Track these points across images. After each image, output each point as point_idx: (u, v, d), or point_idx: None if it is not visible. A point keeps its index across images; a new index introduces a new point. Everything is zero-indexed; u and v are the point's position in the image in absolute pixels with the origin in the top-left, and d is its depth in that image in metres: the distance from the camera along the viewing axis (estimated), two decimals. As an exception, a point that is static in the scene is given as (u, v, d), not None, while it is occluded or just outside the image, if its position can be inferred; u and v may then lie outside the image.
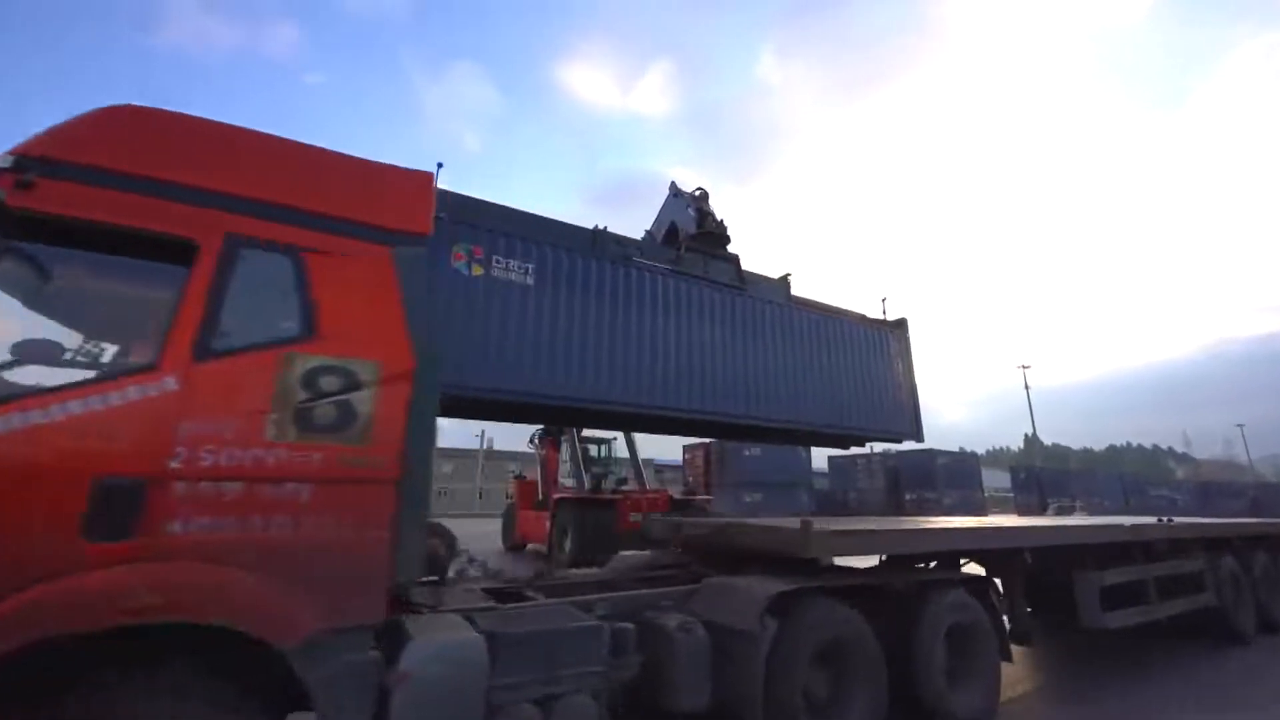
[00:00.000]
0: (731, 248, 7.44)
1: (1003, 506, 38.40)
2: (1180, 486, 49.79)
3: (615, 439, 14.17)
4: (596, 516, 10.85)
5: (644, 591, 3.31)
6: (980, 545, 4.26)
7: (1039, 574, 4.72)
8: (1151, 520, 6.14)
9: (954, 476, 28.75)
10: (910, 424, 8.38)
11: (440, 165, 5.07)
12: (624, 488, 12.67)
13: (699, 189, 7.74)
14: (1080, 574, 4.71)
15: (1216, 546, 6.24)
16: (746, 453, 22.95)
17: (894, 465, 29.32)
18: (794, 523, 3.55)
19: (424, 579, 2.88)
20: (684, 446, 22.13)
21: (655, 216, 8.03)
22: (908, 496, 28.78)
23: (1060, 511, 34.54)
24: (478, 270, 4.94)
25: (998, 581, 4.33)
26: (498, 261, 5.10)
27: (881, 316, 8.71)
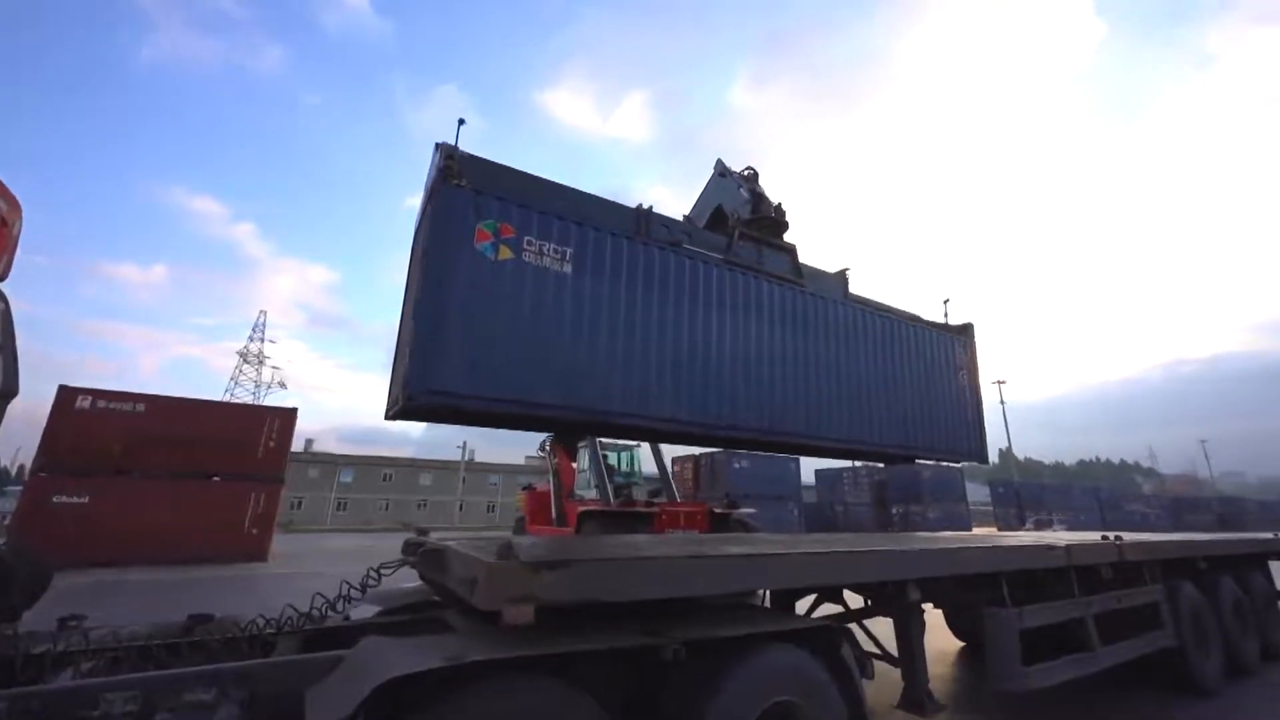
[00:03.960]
0: (788, 236, 6.40)
1: (983, 520, 37.68)
2: (1152, 501, 49.92)
3: (639, 445, 12.78)
4: (629, 532, 9.38)
5: (175, 672, 1.97)
6: (811, 580, 2.85)
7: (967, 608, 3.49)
8: (1095, 537, 4.96)
9: (939, 490, 28.02)
10: (976, 442, 7.50)
11: (462, 122, 4.32)
12: (658, 499, 11.22)
13: (749, 168, 6.76)
14: (992, 614, 3.49)
15: (1176, 570, 5.08)
16: (736, 465, 22.12)
17: (881, 479, 28.42)
18: (488, 548, 2.27)
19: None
20: (672, 458, 21.42)
21: (695, 200, 7.01)
22: (894, 510, 27.85)
23: (1039, 526, 33.92)
24: (506, 253, 4.23)
25: (873, 630, 3.10)
26: (530, 243, 4.36)
27: (944, 320, 7.73)
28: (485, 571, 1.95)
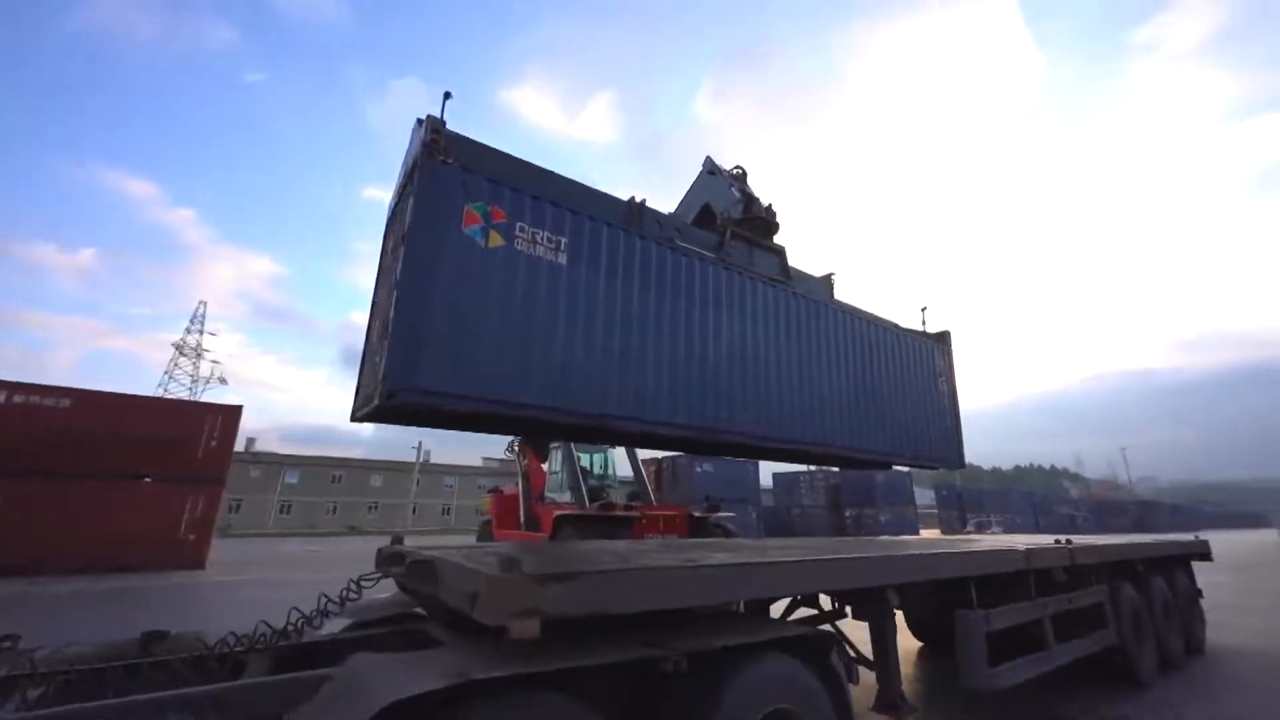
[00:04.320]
0: (778, 237, 6.29)
1: (929, 522, 39.39)
2: (1079, 505, 53.57)
3: (613, 447, 12.30)
4: (608, 537, 9.08)
5: (149, 697, 1.83)
6: (816, 587, 3.02)
7: (938, 611, 3.63)
8: (1048, 540, 5.25)
9: (890, 494, 29.15)
10: (956, 449, 7.59)
11: (448, 95, 4.04)
12: (635, 502, 10.94)
13: (738, 167, 6.61)
14: (962, 616, 3.64)
15: (1119, 572, 5.44)
16: (699, 468, 22.22)
17: (835, 483, 29.25)
18: (489, 560, 2.21)
19: None
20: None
21: (682, 197, 6.84)
22: (847, 513, 28.71)
23: (979, 528, 35.69)
24: (496, 240, 3.96)
25: (844, 631, 3.17)
26: (522, 230, 4.10)
27: (923, 328, 7.80)
28: (488, 584, 1.88)
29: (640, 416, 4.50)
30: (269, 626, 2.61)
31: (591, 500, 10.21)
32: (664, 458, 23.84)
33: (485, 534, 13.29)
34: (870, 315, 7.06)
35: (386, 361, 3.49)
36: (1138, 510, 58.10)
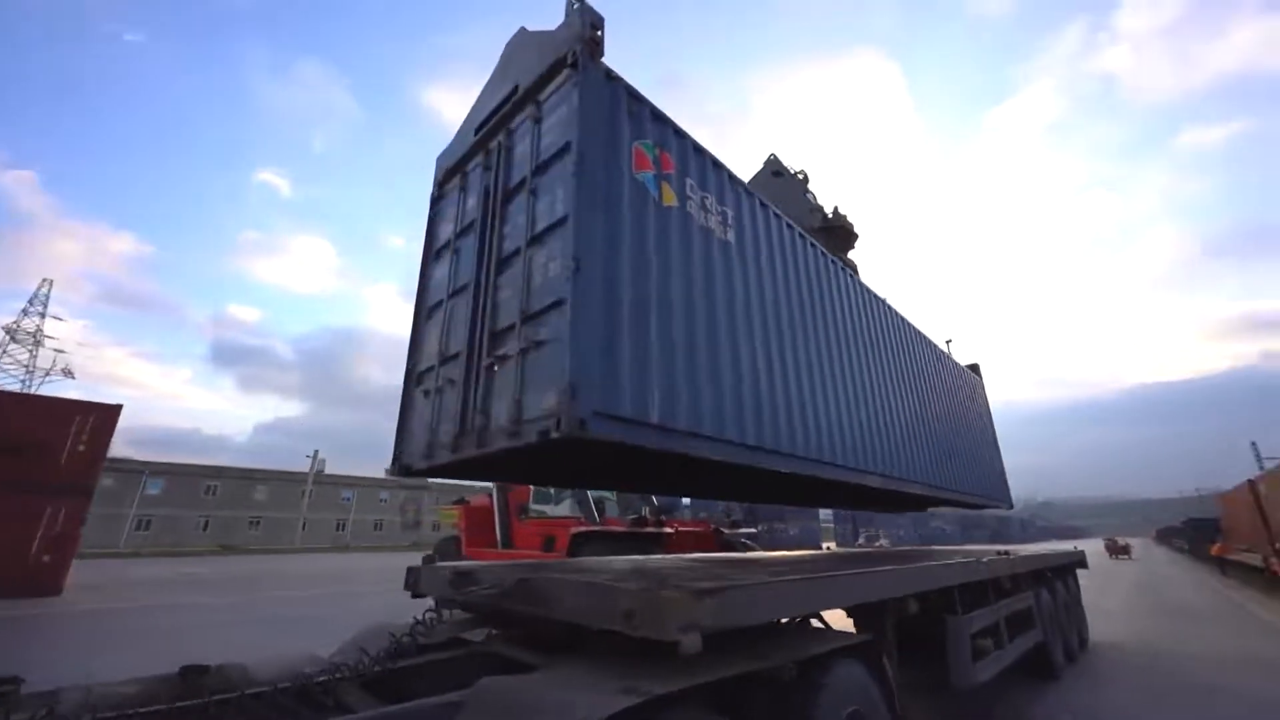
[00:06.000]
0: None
1: (826, 536, 42.26)
2: (948, 518, 60.14)
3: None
4: (642, 553, 7.90)
5: None
6: (909, 588, 3.36)
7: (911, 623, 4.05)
8: (994, 550, 6.02)
9: (799, 509, 30.79)
10: (1006, 488, 7.08)
11: None
12: (664, 516, 9.91)
13: (801, 172, 5.75)
14: (952, 620, 4.12)
15: (1039, 579, 6.33)
16: None
17: None
18: (628, 578, 2.27)
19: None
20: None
21: None
22: (760, 527, 30.05)
23: (869, 540, 38.85)
24: (670, 197, 2.96)
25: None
26: (693, 190, 3.13)
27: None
28: (654, 601, 1.93)
29: (809, 455, 3.67)
30: (344, 660, 2.41)
31: (628, 515, 9.48)
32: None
33: (449, 551, 11.56)
34: (928, 338, 6.29)
35: (570, 371, 2.30)
36: (994, 524, 66.46)
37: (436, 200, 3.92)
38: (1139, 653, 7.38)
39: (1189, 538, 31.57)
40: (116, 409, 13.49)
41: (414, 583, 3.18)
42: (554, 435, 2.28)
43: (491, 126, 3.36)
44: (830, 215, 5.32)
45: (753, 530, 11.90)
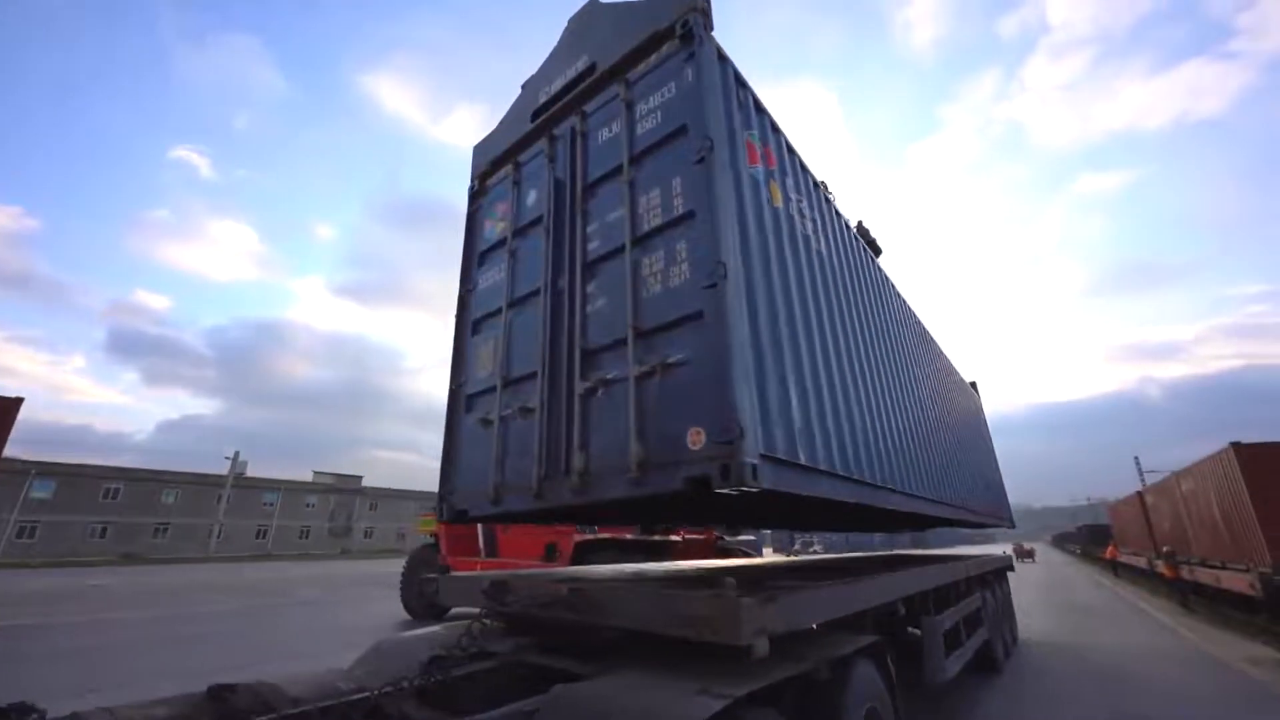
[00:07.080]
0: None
1: (765, 542, 43.66)
2: (876, 525, 63.36)
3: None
4: (646, 560, 7.86)
5: None
6: (922, 586, 3.70)
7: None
8: (946, 555, 6.54)
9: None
10: (1007, 505, 6.93)
11: None
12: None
13: (822, 183, 5.68)
14: (928, 620, 4.46)
15: (983, 582, 6.92)
16: None
17: None
18: (683, 585, 2.38)
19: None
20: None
21: None
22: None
23: (804, 547, 40.39)
24: (777, 197, 2.69)
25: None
26: (792, 191, 2.88)
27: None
28: (731, 608, 2.03)
29: (894, 487, 3.41)
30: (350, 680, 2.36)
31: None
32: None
33: (429, 559, 10.79)
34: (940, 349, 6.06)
35: (731, 404, 1.92)
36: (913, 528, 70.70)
37: (476, 195, 3.58)
38: (1064, 646, 8.21)
39: (1082, 542, 35.01)
40: (16, 402, 12.02)
41: (435, 593, 3.13)
42: (719, 489, 1.90)
43: (554, 112, 3.05)
44: (856, 228, 5.59)
45: (751, 537, 12.14)
